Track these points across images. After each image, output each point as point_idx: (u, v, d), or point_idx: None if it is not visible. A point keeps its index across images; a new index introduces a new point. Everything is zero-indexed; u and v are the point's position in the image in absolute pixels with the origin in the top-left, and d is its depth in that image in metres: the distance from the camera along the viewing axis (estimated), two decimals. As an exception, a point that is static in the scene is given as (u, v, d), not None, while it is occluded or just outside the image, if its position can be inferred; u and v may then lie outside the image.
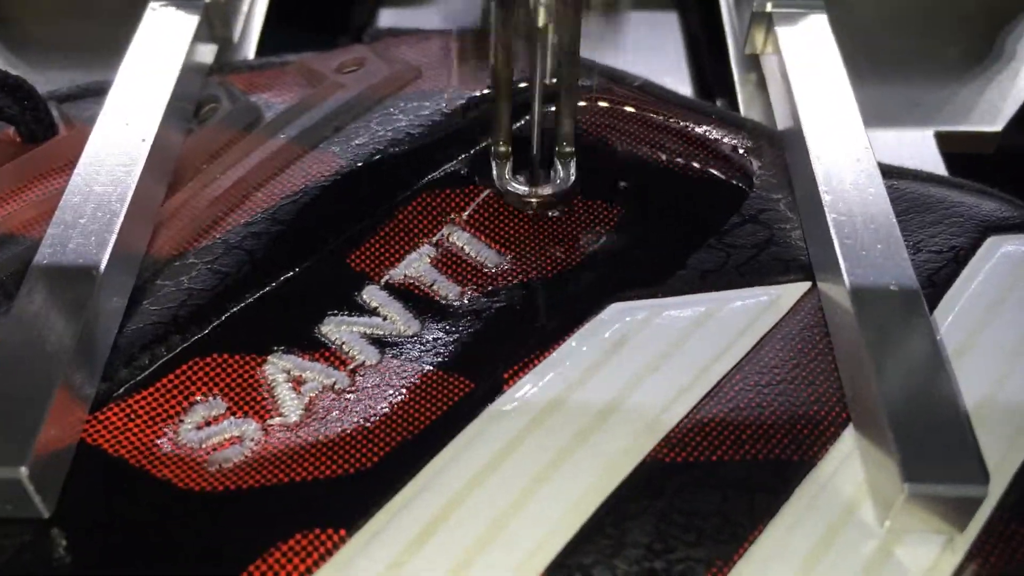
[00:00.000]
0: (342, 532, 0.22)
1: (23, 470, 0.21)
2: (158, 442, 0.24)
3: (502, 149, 0.30)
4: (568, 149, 0.30)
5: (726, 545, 0.22)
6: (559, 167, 0.30)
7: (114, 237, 0.26)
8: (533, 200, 0.30)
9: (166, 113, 0.30)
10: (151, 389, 0.25)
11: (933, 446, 0.22)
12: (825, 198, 0.27)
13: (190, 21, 0.34)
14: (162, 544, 0.22)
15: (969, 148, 0.35)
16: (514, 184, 0.30)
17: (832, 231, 0.26)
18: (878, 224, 0.27)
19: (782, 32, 0.34)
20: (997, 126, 0.36)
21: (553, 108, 0.29)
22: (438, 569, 0.22)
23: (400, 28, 0.37)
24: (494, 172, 0.30)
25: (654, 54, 0.42)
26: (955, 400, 0.23)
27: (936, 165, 0.34)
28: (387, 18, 0.43)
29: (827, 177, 0.28)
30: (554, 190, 0.30)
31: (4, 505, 0.22)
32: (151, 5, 0.34)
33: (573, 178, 0.30)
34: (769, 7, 0.34)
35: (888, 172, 0.29)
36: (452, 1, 0.44)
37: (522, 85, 0.30)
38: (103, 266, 0.25)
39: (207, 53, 0.35)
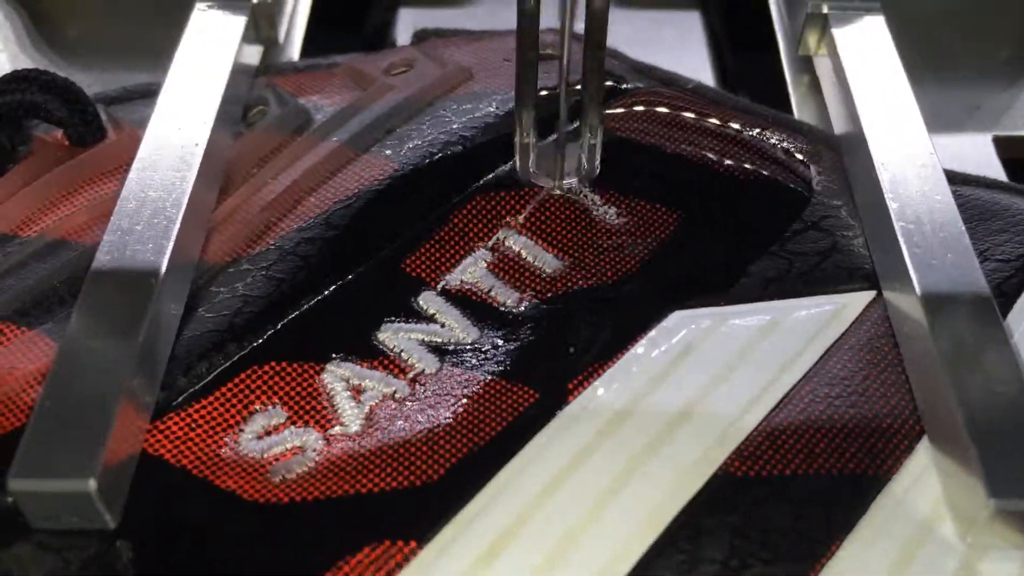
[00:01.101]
0: (412, 544, 0.22)
1: (91, 483, 0.21)
2: (219, 452, 0.24)
3: (525, 141, 0.29)
4: (592, 141, 0.29)
5: (803, 562, 0.22)
6: (583, 160, 0.29)
7: (171, 244, 0.25)
8: (556, 192, 0.29)
9: (217, 117, 0.30)
10: (210, 398, 0.25)
11: (1017, 460, 0.21)
12: (892, 206, 0.27)
13: (237, 22, 0.33)
14: (228, 557, 0.22)
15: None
16: (537, 177, 0.29)
17: (900, 239, 0.26)
18: (947, 233, 0.26)
19: (839, 34, 0.33)
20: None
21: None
22: None
23: (447, 29, 0.36)
24: (517, 163, 0.30)
25: (679, 55, 0.41)
26: None
27: (995, 170, 0.33)
28: (427, 20, 0.42)
29: (893, 184, 0.28)
30: (577, 182, 0.29)
31: (71, 517, 0.21)
32: (198, 6, 0.34)
33: (597, 170, 0.29)
34: (825, 8, 0.34)
35: (951, 178, 0.29)
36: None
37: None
38: (162, 273, 0.25)
39: (254, 55, 0.35)
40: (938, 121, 0.35)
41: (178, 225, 0.26)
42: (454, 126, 0.31)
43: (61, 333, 0.25)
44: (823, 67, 0.35)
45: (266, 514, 0.22)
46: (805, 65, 0.36)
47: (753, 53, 0.41)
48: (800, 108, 0.35)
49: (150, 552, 0.22)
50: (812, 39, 0.35)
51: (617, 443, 0.24)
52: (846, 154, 0.31)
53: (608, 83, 0.32)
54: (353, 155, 0.30)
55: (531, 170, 0.29)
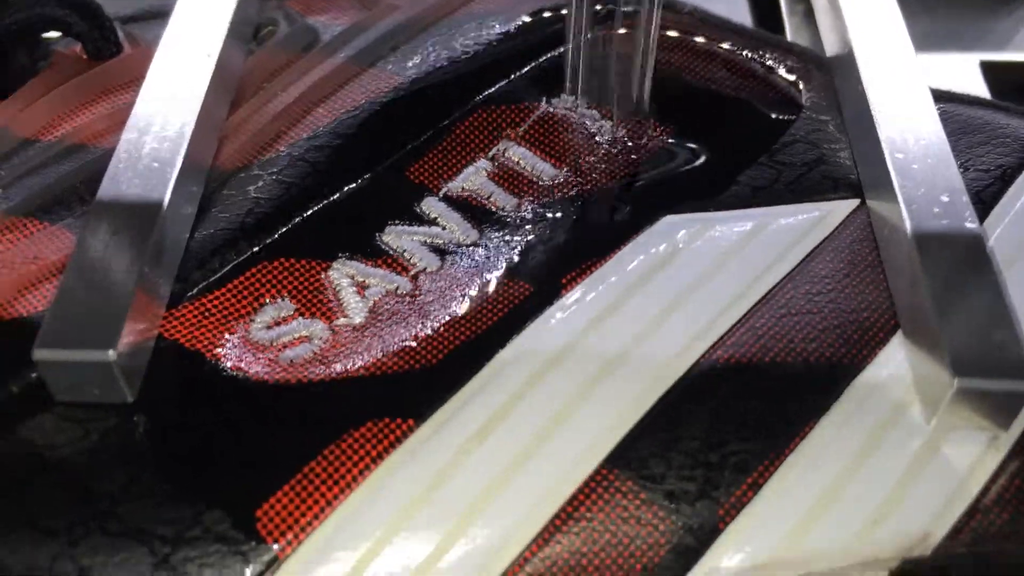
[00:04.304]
0: (411, 422, 0.23)
1: (111, 353, 0.22)
2: (231, 339, 0.25)
3: (575, 64, 0.31)
4: (644, 68, 0.30)
5: (778, 440, 0.23)
6: (634, 87, 0.30)
7: (186, 144, 0.27)
8: (604, 136, 0.30)
9: (228, 32, 0.31)
10: (222, 290, 0.26)
11: (982, 344, 0.22)
12: (877, 117, 0.28)
13: (249, -55, 0.34)
14: (240, 429, 0.23)
15: (1015, 76, 0.36)
16: (586, 118, 0.30)
17: (884, 147, 0.27)
18: (929, 141, 0.27)
19: (832, -40, 0.34)
20: (1043, 55, 0.36)
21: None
22: (502, 458, 0.23)
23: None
24: (567, 86, 0.31)
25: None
26: (1004, 303, 0.23)
27: (981, 93, 0.34)
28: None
29: (878, 97, 0.29)
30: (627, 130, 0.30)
31: (90, 389, 0.23)
32: (209, -71, 0.35)
33: (647, 94, 0.30)
34: (819, -65, 0.35)
35: (936, 95, 0.30)
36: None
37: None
38: (176, 170, 0.26)
39: (264, -23, 0.36)
40: (927, 46, 0.36)
41: (192, 127, 0.27)
42: (457, 43, 0.32)
43: (81, 227, 0.26)
44: (817, -7, 0.36)
45: (274, 392, 0.24)
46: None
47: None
48: (795, 35, 0.36)
49: (165, 424, 0.23)
50: (807, -33, 0.36)
51: (605, 334, 0.25)
52: (836, 73, 0.32)
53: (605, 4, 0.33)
54: (359, 70, 0.32)
55: (580, 98, 0.30)
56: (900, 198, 0.26)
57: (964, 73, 0.35)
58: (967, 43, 0.36)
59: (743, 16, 0.40)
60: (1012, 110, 0.31)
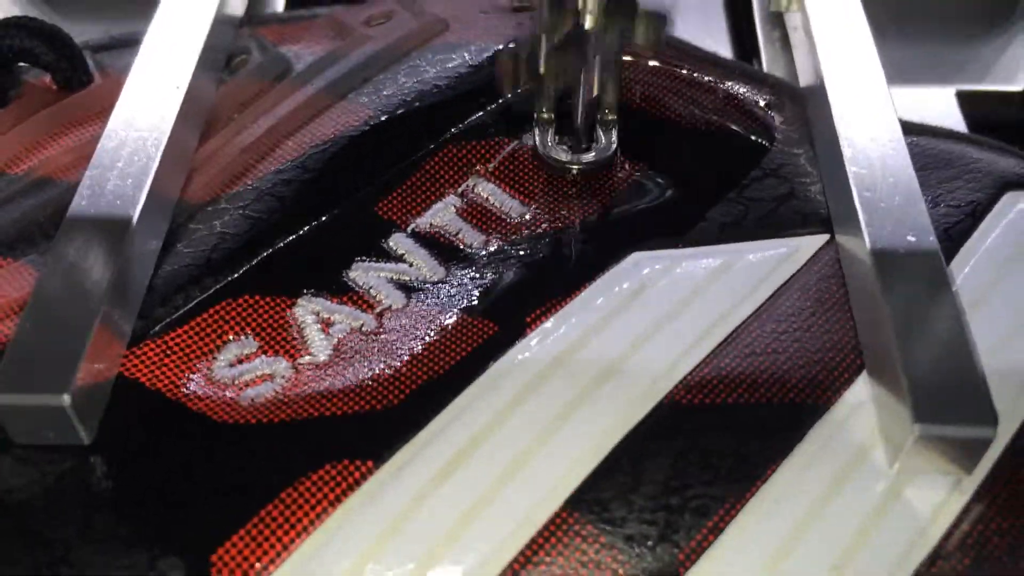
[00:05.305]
0: (369, 464, 0.23)
1: (65, 397, 0.22)
2: (193, 377, 0.25)
3: (545, 116, 0.30)
4: (610, 117, 0.30)
5: (740, 483, 0.23)
6: (600, 135, 0.30)
7: (150, 180, 0.27)
8: (574, 167, 0.30)
9: (199, 63, 0.31)
10: (186, 327, 0.26)
11: (944, 389, 0.22)
12: (846, 152, 0.28)
13: (222, -27, 0.34)
14: (197, 472, 0.23)
15: (991, 107, 0.36)
16: (556, 150, 0.30)
17: (852, 184, 0.27)
18: (897, 178, 0.27)
19: (807, -11, 0.34)
20: (1019, 85, 0.36)
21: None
22: (462, 501, 0.23)
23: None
24: (537, 138, 0.30)
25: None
26: (967, 347, 0.23)
27: (957, 124, 0.34)
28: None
29: (848, 132, 0.28)
30: (596, 157, 0.30)
31: (47, 432, 0.22)
32: (183, -43, 0.35)
33: (614, 145, 0.30)
34: (794, -36, 0.35)
35: (908, 128, 0.30)
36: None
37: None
38: (139, 208, 0.26)
39: (238, 5, 0.36)
40: (904, 75, 0.36)
41: (157, 163, 0.27)
42: (428, 76, 0.32)
43: (41, 265, 0.26)
44: (792, 22, 0.35)
45: (234, 434, 0.24)
46: (777, 21, 0.37)
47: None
48: (771, 63, 0.36)
49: (123, 466, 0.23)
50: (783, -5, 0.36)
51: (568, 373, 0.25)
52: (809, 105, 0.32)
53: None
54: (330, 102, 0.31)
55: (549, 145, 0.30)
56: (866, 237, 0.25)
57: (940, 102, 0.34)
58: (943, 72, 0.36)
59: (720, 42, 0.40)
60: (985, 143, 0.31)
